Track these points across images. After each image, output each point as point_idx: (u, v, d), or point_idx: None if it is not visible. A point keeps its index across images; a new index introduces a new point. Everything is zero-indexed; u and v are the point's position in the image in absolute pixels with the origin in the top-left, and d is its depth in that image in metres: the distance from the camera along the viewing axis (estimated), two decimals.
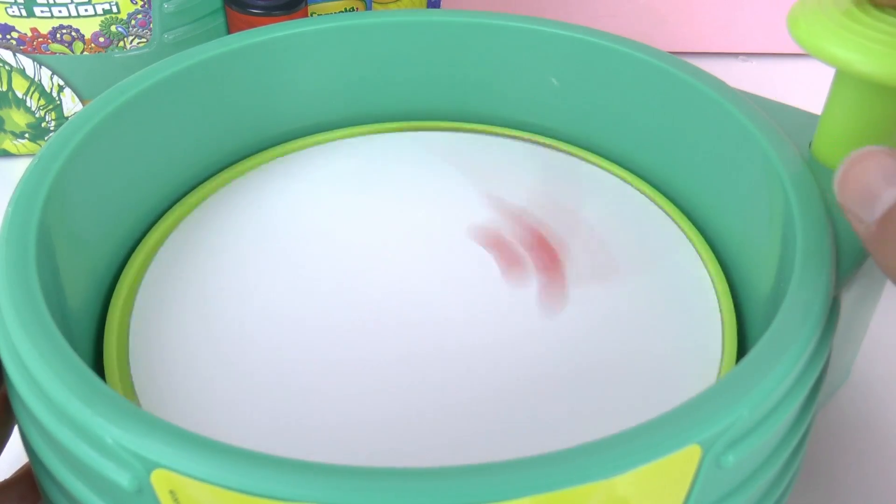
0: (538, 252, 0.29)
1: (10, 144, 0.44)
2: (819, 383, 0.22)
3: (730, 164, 0.29)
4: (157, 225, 0.30)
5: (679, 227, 0.30)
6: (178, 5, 0.40)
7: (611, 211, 0.31)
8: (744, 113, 0.28)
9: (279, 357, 0.26)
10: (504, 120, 0.35)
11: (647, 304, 0.27)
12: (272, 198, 0.32)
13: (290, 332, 0.27)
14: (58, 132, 0.27)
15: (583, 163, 0.33)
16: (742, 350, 0.26)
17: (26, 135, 0.43)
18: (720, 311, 0.27)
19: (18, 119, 0.43)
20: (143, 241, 0.30)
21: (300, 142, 0.34)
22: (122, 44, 0.40)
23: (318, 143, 0.34)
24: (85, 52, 0.40)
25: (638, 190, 0.32)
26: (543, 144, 0.34)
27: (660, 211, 0.31)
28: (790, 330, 0.21)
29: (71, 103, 0.42)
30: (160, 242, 0.30)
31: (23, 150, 0.44)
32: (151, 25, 0.40)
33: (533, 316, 0.27)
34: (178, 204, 0.31)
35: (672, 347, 0.26)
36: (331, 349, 0.26)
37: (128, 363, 0.26)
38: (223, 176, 0.33)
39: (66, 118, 0.42)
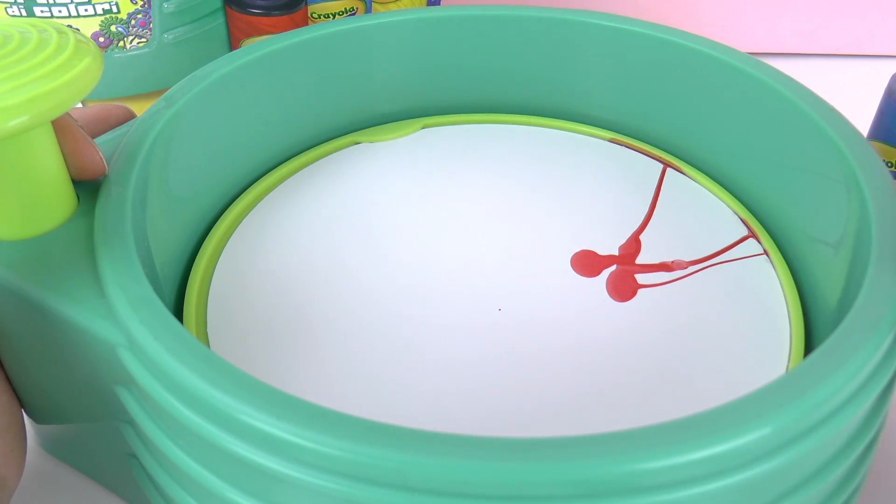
0: (621, 247, 0.30)
1: None
2: (891, 385, 0.22)
3: (807, 169, 0.29)
4: (244, 194, 0.32)
5: (748, 226, 0.31)
6: (178, 5, 0.40)
7: (683, 208, 0.32)
8: (826, 120, 0.28)
9: (361, 340, 0.26)
10: (580, 116, 0.36)
11: (716, 299, 0.28)
12: (355, 178, 0.33)
13: (371, 313, 0.27)
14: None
15: (655, 162, 0.34)
16: (808, 348, 0.27)
17: None
18: (787, 308, 0.28)
19: None
20: (231, 207, 0.31)
21: (386, 128, 0.35)
22: (122, 44, 0.40)
23: (407, 132, 0.35)
24: None
25: (708, 189, 0.32)
26: (623, 144, 0.35)
27: (730, 211, 0.31)
28: (864, 325, 0.21)
29: None
30: (246, 211, 0.31)
31: None
32: (151, 25, 0.40)
33: (608, 304, 0.28)
34: (266, 176, 0.32)
35: (742, 339, 0.27)
36: (397, 321, 0.27)
37: (205, 323, 0.27)
38: (310, 154, 0.34)
39: None
